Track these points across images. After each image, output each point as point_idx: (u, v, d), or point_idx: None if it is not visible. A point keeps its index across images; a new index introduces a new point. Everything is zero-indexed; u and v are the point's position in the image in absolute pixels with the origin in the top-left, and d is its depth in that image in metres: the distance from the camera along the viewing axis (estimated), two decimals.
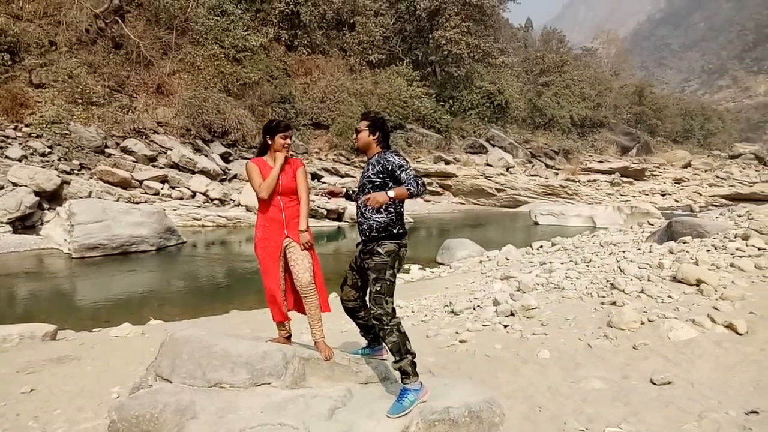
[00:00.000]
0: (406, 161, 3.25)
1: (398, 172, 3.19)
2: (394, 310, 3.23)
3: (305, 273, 3.46)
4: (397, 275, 3.35)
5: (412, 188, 3.02)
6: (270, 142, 3.54)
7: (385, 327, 3.17)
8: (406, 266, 11.34)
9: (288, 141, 3.56)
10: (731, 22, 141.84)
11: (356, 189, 3.58)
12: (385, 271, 3.22)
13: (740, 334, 4.59)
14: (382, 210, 3.26)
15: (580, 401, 3.80)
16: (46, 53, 21.07)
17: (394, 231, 3.29)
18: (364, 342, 3.85)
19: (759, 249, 6.47)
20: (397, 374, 3.29)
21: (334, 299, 5.88)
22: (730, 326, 4.69)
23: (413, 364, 3.20)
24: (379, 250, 3.25)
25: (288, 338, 3.68)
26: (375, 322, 3.23)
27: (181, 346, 3.36)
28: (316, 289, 3.50)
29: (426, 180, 28.43)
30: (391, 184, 3.23)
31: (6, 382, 4.44)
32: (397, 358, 3.19)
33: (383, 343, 3.47)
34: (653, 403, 3.67)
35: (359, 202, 3.37)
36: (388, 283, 3.22)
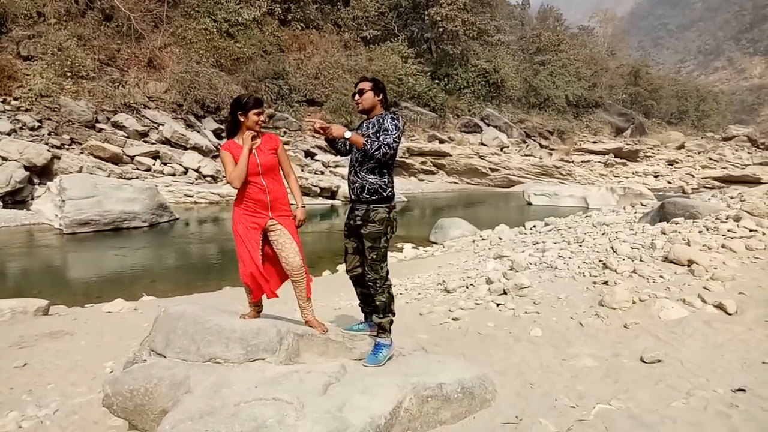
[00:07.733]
0: (397, 127, 3.36)
1: (380, 134, 3.34)
2: (387, 272, 3.52)
3: (295, 257, 3.41)
4: (389, 248, 3.56)
5: (369, 147, 3.26)
6: (242, 120, 3.32)
7: (378, 288, 3.49)
8: (399, 245, 11.39)
9: (261, 117, 3.36)
10: (729, 2, 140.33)
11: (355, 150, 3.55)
12: (379, 239, 3.44)
13: (729, 314, 4.64)
14: (376, 172, 3.39)
15: (571, 378, 3.85)
16: (34, 24, 20.62)
17: (384, 194, 3.44)
18: (358, 319, 3.86)
19: (750, 230, 6.50)
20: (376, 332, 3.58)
21: (327, 278, 5.88)
22: (719, 306, 4.74)
23: (391, 322, 3.59)
24: (373, 217, 3.40)
25: (259, 313, 3.59)
26: (369, 284, 3.52)
27: (175, 321, 3.36)
28: (305, 272, 3.47)
29: (420, 159, 28.43)
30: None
31: None
32: (381, 316, 3.53)
33: None
34: (643, 380, 3.72)
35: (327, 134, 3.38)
36: (383, 249, 3.47)
